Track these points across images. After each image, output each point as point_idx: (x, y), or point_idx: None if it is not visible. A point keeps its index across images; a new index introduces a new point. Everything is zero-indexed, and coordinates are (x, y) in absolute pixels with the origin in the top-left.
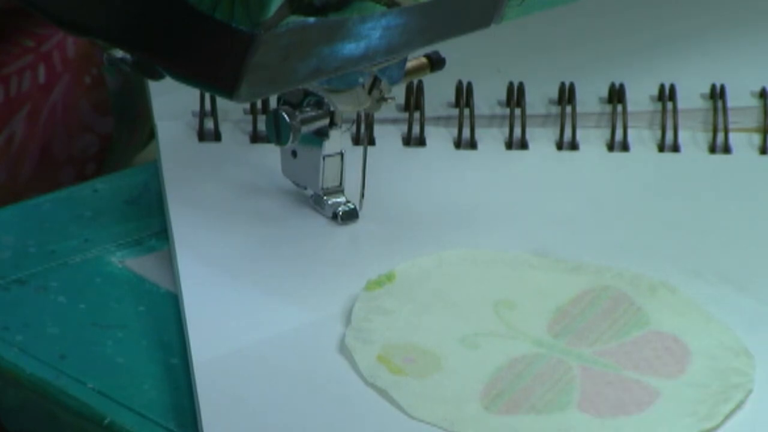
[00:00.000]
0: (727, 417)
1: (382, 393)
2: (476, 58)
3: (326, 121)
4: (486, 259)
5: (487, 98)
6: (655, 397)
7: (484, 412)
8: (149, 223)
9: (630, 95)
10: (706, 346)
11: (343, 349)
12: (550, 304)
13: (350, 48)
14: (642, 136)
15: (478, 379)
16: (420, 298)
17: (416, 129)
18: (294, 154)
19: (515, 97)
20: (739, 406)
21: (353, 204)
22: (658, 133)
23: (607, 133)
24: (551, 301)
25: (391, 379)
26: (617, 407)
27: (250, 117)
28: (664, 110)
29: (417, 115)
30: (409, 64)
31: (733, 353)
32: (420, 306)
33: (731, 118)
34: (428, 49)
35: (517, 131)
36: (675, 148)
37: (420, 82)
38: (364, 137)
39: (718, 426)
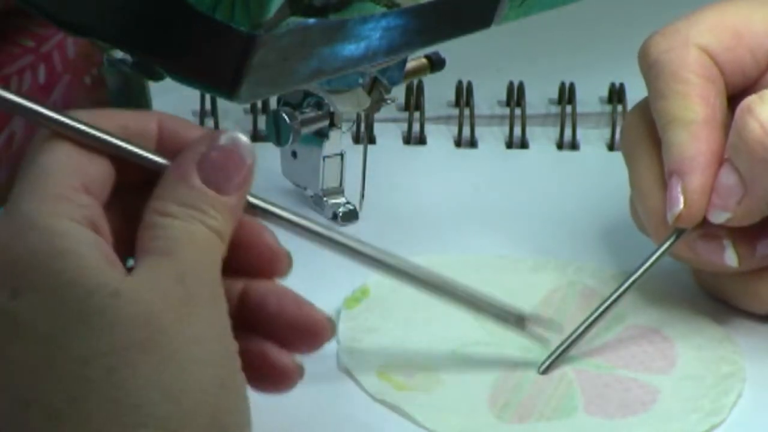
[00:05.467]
0: (731, 408)
1: (394, 408)
2: (476, 58)
3: (326, 122)
4: (452, 264)
5: (487, 98)
6: (656, 394)
7: (497, 422)
8: None
9: (629, 95)
10: (686, 333)
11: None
12: (524, 307)
13: (350, 49)
14: None
15: (482, 389)
16: (398, 313)
17: (416, 128)
18: (294, 154)
19: (515, 96)
20: (739, 396)
21: (353, 204)
22: None
23: (607, 133)
24: (523, 303)
25: (398, 395)
26: (623, 407)
27: (250, 117)
28: None
29: (417, 115)
30: (409, 65)
31: (716, 341)
32: (401, 321)
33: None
34: (428, 50)
35: (518, 131)
36: None
37: (420, 82)
38: (364, 138)
39: (725, 419)
